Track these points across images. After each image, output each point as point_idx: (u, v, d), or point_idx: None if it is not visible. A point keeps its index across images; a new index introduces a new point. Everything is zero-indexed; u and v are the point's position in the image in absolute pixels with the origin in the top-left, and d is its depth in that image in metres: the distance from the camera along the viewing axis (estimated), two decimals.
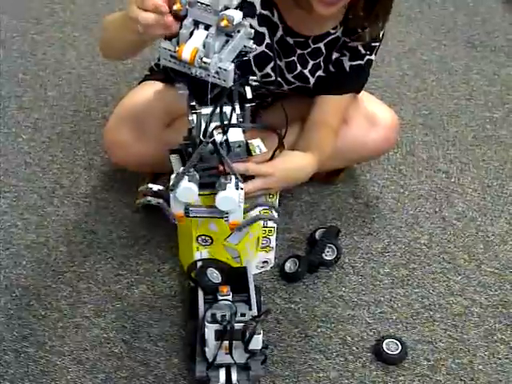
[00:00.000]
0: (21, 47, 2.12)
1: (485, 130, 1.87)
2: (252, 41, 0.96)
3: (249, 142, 1.23)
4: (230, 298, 1.16)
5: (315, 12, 1.19)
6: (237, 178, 1.09)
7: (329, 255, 1.42)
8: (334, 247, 1.43)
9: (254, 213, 1.22)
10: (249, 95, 1.07)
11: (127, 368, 1.22)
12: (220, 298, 1.16)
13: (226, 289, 1.17)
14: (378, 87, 2.00)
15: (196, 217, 1.16)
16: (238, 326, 1.10)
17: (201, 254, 1.29)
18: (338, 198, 1.61)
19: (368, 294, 1.39)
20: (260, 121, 1.51)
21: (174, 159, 1.26)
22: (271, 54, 1.30)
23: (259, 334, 1.09)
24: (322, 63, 1.37)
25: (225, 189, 1.07)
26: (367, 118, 1.44)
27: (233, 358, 1.12)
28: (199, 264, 1.24)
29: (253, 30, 0.94)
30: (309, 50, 1.35)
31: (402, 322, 1.34)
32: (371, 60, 1.38)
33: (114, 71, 2.02)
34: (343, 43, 1.34)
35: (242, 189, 1.09)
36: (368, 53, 1.36)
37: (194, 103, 1.07)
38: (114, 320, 1.30)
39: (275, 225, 1.33)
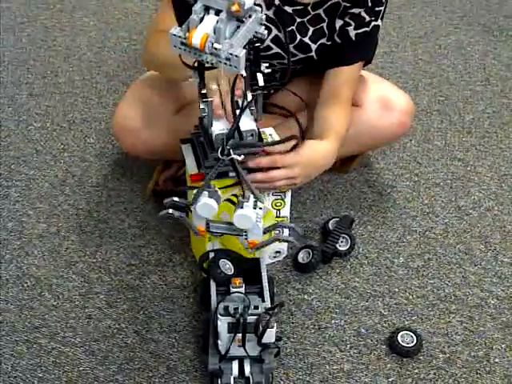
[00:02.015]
0: (31, 33, 2.10)
1: (502, 117, 1.84)
2: (264, 27, 0.93)
3: (261, 130, 1.21)
4: (242, 290, 1.15)
5: None
6: (255, 197, 1.07)
7: (343, 245, 1.40)
8: (347, 237, 1.41)
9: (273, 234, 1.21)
10: (260, 82, 1.05)
11: (139, 359, 1.22)
12: (233, 290, 1.14)
13: (238, 281, 1.15)
14: (393, 73, 1.96)
15: (216, 232, 1.16)
16: (251, 318, 1.08)
17: (213, 244, 1.27)
18: (352, 187, 1.59)
19: (382, 284, 1.37)
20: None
21: (186, 149, 1.25)
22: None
23: (272, 327, 1.07)
24: (325, 30, 1.34)
25: (242, 207, 1.06)
26: (382, 103, 1.42)
27: (246, 350, 1.10)
28: (211, 255, 1.22)
29: (264, 16, 0.91)
30: (309, 17, 1.31)
31: (418, 313, 1.32)
32: (378, 26, 1.34)
33: (125, 57, 2.00)
34: (345, 9, 1.30)
35: (260, 208, 1.08)
36: (373, 18, 1.31)
37: (204, 91, 1.06)
38: (126, 311, 1.30)
39: (288, 214, 1.31)
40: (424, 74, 1.98)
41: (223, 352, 1.11)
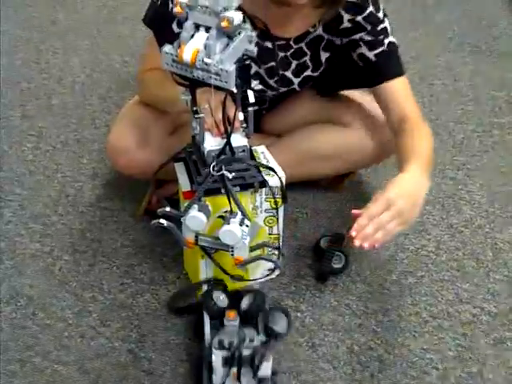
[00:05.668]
0: (24, 56, 2.12)
1: (492, 136, 1.86)
2: (253, 44, 0.95)
3: (253, 148, 1.22)
4: (237, 323, 1.13)
5: (290, 1, 1.19)
6: (243, 214, 1.08)
7: (337, 263, 1.41)
8: (341, 255, 1.41)
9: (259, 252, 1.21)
10: (251, 99, 1.06)
11: (133, 377, 1.21)
12: (227, 323, 1.12)
13: (233, 313, 1.13)
14: None
15: (204, 246, 1.16)
16: (246, 352, 1.07)
17: (205, 262, 1.28)
18: (344, 205, 1.60)
19: (375, 302, 1.37)
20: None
21: (179, 167, 1.26)
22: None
23: (268, 360, 1.06)
24: (309, 63, 1.36)
25: (229, 223, 1.07)
26: (370, 121, 1.44)
27: None
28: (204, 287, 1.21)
29: (254, 33, 0.93)
30: (291, 51, 1.34)
31: (410, 330, 1.32)
32: (392, 42, 1.35)
33: (118, 79, 2.01)
34: (334, 42, 1.34)
35: (247, 226, 1.08)
36: (381, 37, 1.33)
37: (196, 108, 1.07)
38: (119, 329, 1.29)
39: (281, 231, 1.32)
40: (415, 94, 1.98)
41: None
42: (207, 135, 1.13)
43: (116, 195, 1.59)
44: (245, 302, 1.17)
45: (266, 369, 1.07)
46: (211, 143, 1.12)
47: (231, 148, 1.11)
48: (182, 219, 1.10)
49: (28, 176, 1.65)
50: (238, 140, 1.13)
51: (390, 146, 1.45)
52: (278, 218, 1.28)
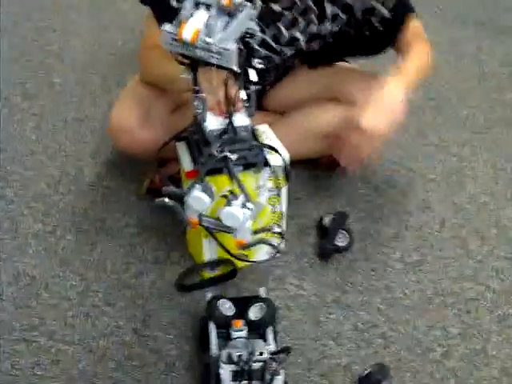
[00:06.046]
0: (24, 34, 2.10)
1: (496, 112, 1.85)
2: (255, 22, 0.93)
3: (255, 127, 1.21)
4: (245, 333, 1.11)
5: None
6: (246, 196, 1.07)
7: (341, 241, 1.40)
8: (345, 233, 1.41)
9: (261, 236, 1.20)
10: (253, 78, 1.05)
11: (138, 356, 1.21)
12: (234, 333, 1.10)
13: (240, 323, 1.11)
14: (387, 69, 1.96)
15: (208, 227, 1.16)
16: (256, 365, 1.04)
17: (209, 241, 1.27)
18: (347, 183, 1.59)
19: (379, 279, 1.37)
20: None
21: (181, 146, 1.25)
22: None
23: (279, 374, 1.03)
24: (314, 18, 1.34)
25: (230, 205, 1.06)
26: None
27: None
28: (209, 296, 1.18)
29: (256, 12, 0.92)
30: (297, 8, 1.31)
31: (415, 307, 1.32)
32: None
33: (118, 57, 1.99)
34: None
35: (249, 208, 1.07)
36: None
37: (197, 87, 1.06)
38: (124, 308, 1.29)
39: (284, 210, 1.31)
40: None
41: None
42: (209, 115, 1.12)
43: (118, 174, 1.59)
44: (253, 312, 1.14)
45: (277, 383, 1.04)
46: (213, 123, 1.11)
47: (233, 128, 1.10)
48: (184, 199, 1.09)
49: (30, 156, 1.64)
50: (241, 119, 1.12)
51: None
52: (281, 197, 1.27)
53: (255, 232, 1.15)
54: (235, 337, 1.10)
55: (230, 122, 1.06)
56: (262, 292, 1.19)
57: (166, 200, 1.11)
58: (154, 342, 1.24)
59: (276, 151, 1.18)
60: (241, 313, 1.14)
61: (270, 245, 1.18)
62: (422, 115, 1.81)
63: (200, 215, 1.14)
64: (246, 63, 1.00)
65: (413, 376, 1.20)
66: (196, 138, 1.17)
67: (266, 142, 1.22)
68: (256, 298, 1.17)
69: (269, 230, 1.19)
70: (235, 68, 0.92)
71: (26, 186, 1.56)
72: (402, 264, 1.41)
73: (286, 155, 1.22)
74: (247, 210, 1.08)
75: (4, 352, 1.21)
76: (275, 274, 1.37)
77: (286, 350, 1.07)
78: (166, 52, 0.94)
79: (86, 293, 1.32)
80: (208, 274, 1.34)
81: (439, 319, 1.30)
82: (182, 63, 0.98)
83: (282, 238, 1.26)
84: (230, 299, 1.16)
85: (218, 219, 1.12)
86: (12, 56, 1.99)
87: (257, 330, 1.12)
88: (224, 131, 1.07)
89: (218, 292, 1.26)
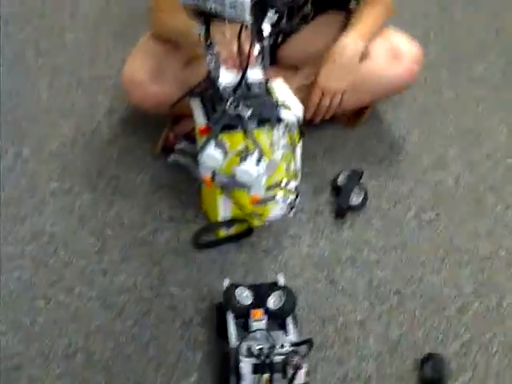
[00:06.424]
0: None
1: None
2: None
3: (269, 82, 1.20)
4: (264, 323, 1.08)
5: None
6: (260, 153, 1.06)
7: (356, 199, 1.40)
8: (360, 191, 1.41)
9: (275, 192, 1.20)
10: (266, 32, 1.04)
11: (155, 312, 1.24)
12: (253, 323, 1.07)
13: (259, 313, 1.08)
14: (403, 23, 1.93)
15: (221, 184, 1.15)
16: (277, 358, 1.01)
17: (224, 199, 1.28)
18: (362, 141, 1.58)
19: (394, 237, 1.38)
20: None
21: (194, 103, 1.24)
22: None
23: (302, 367, 1.00)
24: None
25: (245, 161, 1.05)
26: (391, 51, 1.42)
27: None
28: (226, 282, 1.16)
29: None
30: None
31: (429, 265, 1.33)
32: None
33: (131, 13, 1.97)
34: None
35: (263, 165, 1.07)
36: None
37: (210, 42, 1.04)
38: (141, 266, 1.31)
39: (298, 167, 1.31)
40: (434, 25, 1.95)
41: None
42: (222, 70, 1.11)
43: (133, 133, 1.59)
44: (272, 301, 1.11)
45: (300, 377, 1.01)
46: (226, 78, 1.10)
47: (247, 83, 1.09)
48: (198, 156, 1.09)
49: (44, 114, 1.64)
50: (254, 74, 1.11)
51: (409, 76, 1.43)
52: (295, 155, 1.27)
53: (269, 188, 1.15)
54: (255, 329, 1.07)
55: (244, 77, 1.05)
56: (281, 279, 1.17)
57: (179, 157, 1.11)
58: (171, 299, 1.25)
59: (290, 106, 1.17)
60: (259, 301, 1.11)
61: (285, 201, 1.19)
62: (438, 71, 1.78)
63: (214, 172, 1.14)
64: (259, 15, 0.99)
65: (426, 332, 1.21)
66: (209, 93, 1.16)
67: (280, 97, 1.21)
68: (275, 286, 1.14)
69: (283, 185, 1.19)
70: (248, 20, 0.90)
71: (41, 145, 1.56)
72: (416, 221, 1.41)
73: (300, 110, 1.21)
74: (261, 167, 1.08)
75: (23, 309, 1.24)
76: (290, 233, 1.37)
77: (307, 342, 1.03)
78: (178, 5, 0.92)
79: (103, 250, 1.34)
80: (224, 232, 1.35)
81: (453, 276, 1.31)
82: (195, 17, 0.96)
83: (297, 194, 1.26)
84: (248, 287, 1.13)
85: (232, 176, 1.12)
86: (24, 13, 1.97)
87: (276, 319, 1.10)
88: (238, 86, 1.06)
89: (234, 252, 1.28)
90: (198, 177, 1.15)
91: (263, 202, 1.19)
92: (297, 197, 1.27)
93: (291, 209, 1.29)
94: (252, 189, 1.14)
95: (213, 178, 1.16)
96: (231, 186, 1.19)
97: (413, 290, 1.28)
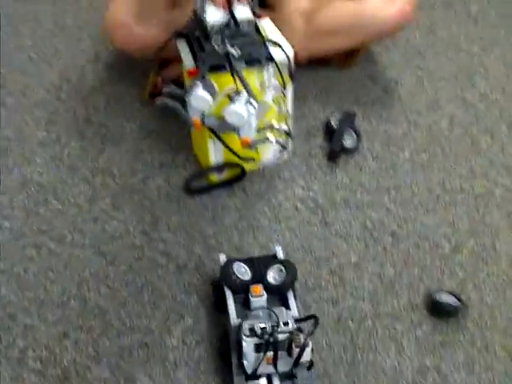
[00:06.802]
0: None
1: (509, 7, 1.77)
2: None
3: (258, 21, 1.17)
4: (264, 299, 1.03)
5: None
6: (249, 92, 1.03)
7: (349, 142, 1.38)
8: (353, 133, 1.39)
9: (267, 134, 1.17)
10: None
11: (148, 258, 1.22)
12: (253, 300, 1.03)
13: (258, 288, 1.04)
14: None
15: (211, 127, 1.13)
16: (281, 336, 0.97)
17: (214, 143, 1.25)
18: (355, 83, 1.56)
19: (388, 179, 1.36)
20: None
21: (181, 44, 1.21)
22: None
23: (308, 345, 0.96)
24: None
25: (234, 103, 1.02)
26: None
27: (276, 368, 0.98)
28: (222, 258, 1.11)
29: None
30: None
31: (423, 205, 1.32)
32: None
33: None
34: None
35: (253, 105, 1.04)
36: None
37: None
38: (133, 212, 1.29)
39: (290, 109, 1.28)
40: None
41: (250, 372, 0.99)
42: (210, 7, 1.08)
43: (119, 79, 1.55)
44: (272, 275, 1.07)
45: (306, 355, 0.98)
46: (214, 16, 1.06)
47: (235, 21, 1.06)
48: (186, 98, 1.06)
49: (28, 62, 1.60)
50: (243, 12, 1.07)
51: (402, 16, 1.40)
52: (286, 97, 1.24)
53: (260, 130, 1.13)
54: (255, 306, 1.03)
55: (232, 15, 1.02)
56: (279, 252, 1.12)
57: (167, 101, 1.09)
58: (164, 245, 1.24)
59: (280, 46, 1.14)
60: (258, 276, 1.07)
61: (277, 142, 1.17)
62: (432, 11, 1.75)
63: (203, 115, 1.12)
64: None
65: (422, 272, 1.21)
66: (197, 34, 1.13)
67: (269, 36, 1.18)
68: (274, 259, 1.10)
69: (274, 127, 1.17)
70: None
71: (26, 93, 1.52)
72: (410, 163, 1.39)
73: (290, 50, 1.18)
74: (251, 107, 1.05)
75: (15, 258, 1.22)
76: (283, 176, 1.36)
77: (312, 318, 0.99)
78: None
79: (94, 198, 1.32)
80: (216, 177, 1.33)
81: (448, 216, 1.30)
82: None
83: (289, 136, 1.24)
84: (245, 261, 1.09)
85: (222, 118, 1.10)
86: None
87: (276, 294, 1.07)
88: (226, 25, 1.02)
89: (226, 196, 1.26)
90: (187, 120, 1.12)
91: (254, 144, 1.17)
92: (289, 137, 1.25)
93: (284, 148, 1.27)
94: (242, 131, 1.11)
95: (202, 120, 1.13)
96: (221, 129, 1.16)
97: (407, 231, 1.27)
